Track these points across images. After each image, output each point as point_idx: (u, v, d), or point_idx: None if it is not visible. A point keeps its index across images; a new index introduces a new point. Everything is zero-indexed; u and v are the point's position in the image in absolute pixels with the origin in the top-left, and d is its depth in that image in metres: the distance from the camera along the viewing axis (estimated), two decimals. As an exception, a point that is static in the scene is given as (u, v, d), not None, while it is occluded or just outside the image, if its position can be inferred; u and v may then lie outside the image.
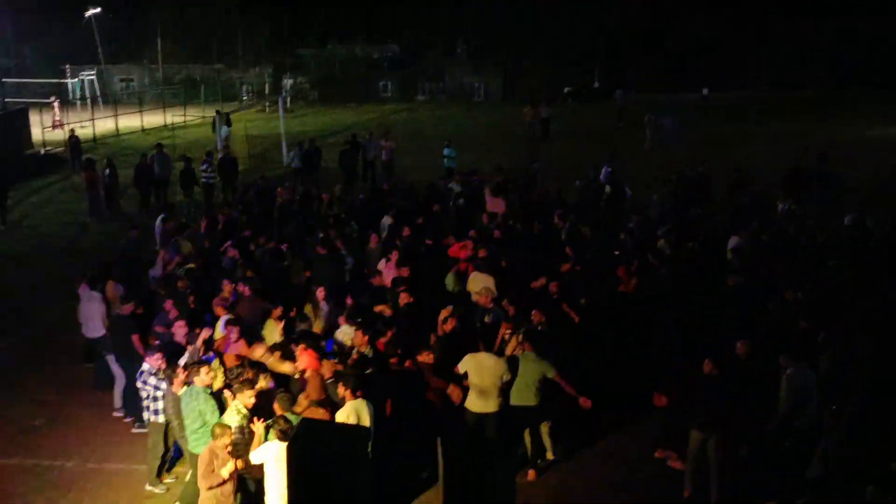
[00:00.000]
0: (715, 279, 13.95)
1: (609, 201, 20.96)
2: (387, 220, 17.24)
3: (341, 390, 9.39)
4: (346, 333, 11.54)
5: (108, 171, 25.10)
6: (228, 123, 34.37)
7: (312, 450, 7.88)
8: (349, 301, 12.57)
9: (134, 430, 11.99)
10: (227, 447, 8.78)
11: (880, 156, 29.48)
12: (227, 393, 9.78)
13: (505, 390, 10.57)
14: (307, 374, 10.24)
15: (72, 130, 33.03)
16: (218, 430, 8.80)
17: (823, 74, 53.46)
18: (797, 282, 13.16)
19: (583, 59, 56.77)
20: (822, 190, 21.05)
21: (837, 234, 17.19)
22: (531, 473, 10.71)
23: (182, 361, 10.52)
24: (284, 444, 8.51)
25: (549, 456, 11.10)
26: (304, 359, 10.43)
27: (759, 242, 15.96)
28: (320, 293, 12.74)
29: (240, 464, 8.82)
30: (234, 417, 9.28)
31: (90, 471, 11.09)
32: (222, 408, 9.62)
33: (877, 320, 12.30)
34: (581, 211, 18.72)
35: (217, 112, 35.85)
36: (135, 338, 11.97)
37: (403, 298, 12.43)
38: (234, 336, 11.10)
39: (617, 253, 15.18)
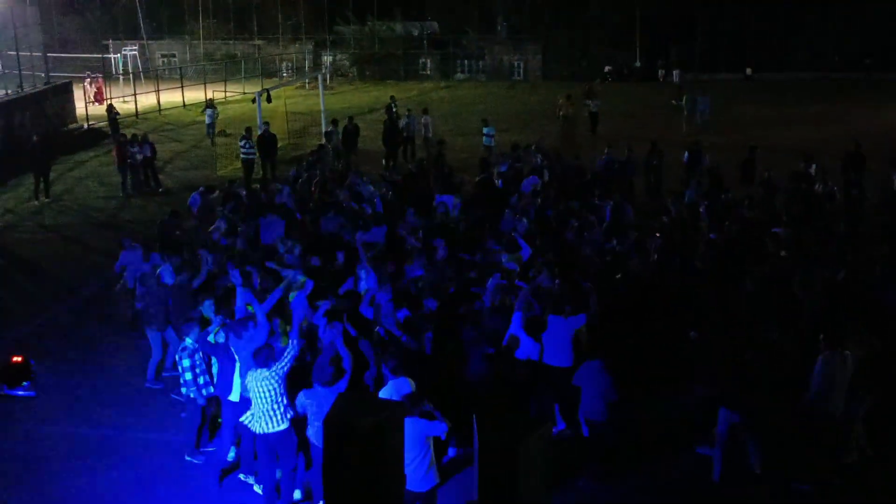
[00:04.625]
0: (752, 262, 13.76)
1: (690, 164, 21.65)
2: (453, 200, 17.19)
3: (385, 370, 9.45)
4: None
5: (144, 146, 25.23)
6: (213, 107, 33.40)
7: (349, 423, 7.92)
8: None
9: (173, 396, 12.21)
10: None
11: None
12: None
13: None
14: None
15: (110, 104, 33.30)
16: None
17: (871, 56, 52.25)
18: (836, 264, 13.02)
19: (621, 38, 56.01)
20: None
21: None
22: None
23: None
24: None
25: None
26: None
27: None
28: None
29: None
30: None
31: (131, 439, 11.26)
32: None
33: None
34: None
35: (209, 100, 35.23)
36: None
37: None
38: None
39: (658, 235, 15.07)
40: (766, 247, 14.36)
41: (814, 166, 19.98)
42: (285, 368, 9.37)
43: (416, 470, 8.47)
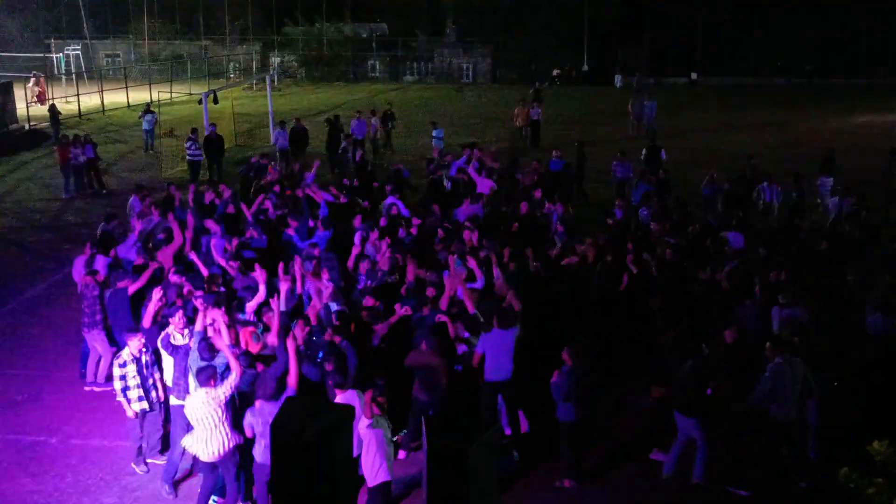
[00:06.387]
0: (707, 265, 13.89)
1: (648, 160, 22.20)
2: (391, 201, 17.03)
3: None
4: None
5: (87, 147, 24.72)
6: (151, 112, 31.79)
7: (295, 427, 7.87)
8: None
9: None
10: None
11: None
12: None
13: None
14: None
15: (52, 105, 32.63)
16: None
17: (813, 63, 53.43)
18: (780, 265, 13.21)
19: (570, 41, 56.53)
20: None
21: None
22: None
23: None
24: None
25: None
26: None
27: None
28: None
29: None
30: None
31: (74, 447, 11.06)
32: None
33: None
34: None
35: (147, 104, 34.27)
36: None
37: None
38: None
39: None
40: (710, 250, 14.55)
41: (829, 180, 20.35)
42: (227, 395, 9.16)
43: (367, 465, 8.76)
